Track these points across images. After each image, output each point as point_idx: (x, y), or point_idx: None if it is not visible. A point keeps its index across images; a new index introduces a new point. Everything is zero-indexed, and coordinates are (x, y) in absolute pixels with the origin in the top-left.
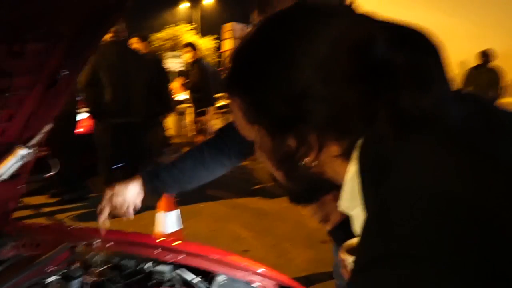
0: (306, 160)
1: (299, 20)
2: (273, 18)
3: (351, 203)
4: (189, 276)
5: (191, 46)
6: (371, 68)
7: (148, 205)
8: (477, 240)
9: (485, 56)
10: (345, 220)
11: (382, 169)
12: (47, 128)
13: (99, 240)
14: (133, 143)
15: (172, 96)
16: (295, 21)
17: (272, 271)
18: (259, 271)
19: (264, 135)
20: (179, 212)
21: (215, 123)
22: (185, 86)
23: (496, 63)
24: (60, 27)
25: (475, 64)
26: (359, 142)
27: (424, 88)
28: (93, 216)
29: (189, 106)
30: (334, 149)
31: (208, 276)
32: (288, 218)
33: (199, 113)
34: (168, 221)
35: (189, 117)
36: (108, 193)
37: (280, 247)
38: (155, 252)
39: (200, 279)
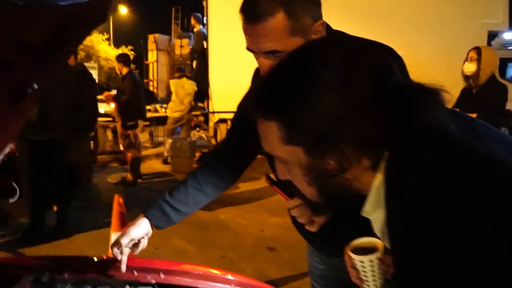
0: (342, 174)
1: (330, 52)
2: (306, 49)
3: (374, 208)
4: None
5: (125, 57)
6: (391, 91)
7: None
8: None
9: None
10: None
11: (406, 176)
12: (8, 148)
13: (66, 268)
14: (57, 161)
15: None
16: (326, 53)
17: (251, 279)
18: (242, 281)
19: (301, 155)
20: None
21: (143, 136)
22: (115, 99)
23: None
24: (31, 38)
25: None
26: (386, 154)
27: (435, 106)
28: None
29: (110, 120)
30: (365, 162)
31: None
32: (228, 230)
33: (128, 127)
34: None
35: (109, 132)
36: (117, 235)
37: (228, 259)
38: (133, 273)
39: None
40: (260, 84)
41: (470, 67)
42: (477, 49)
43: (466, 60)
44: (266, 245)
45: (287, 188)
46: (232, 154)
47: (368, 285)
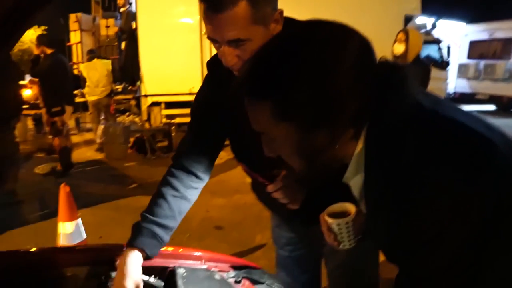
0: (332, 146)
1: (319, 33)
2: (296, 31)
3: (354, 173)
4: (144, 277)
5: (46, 37)
6: (373, 68)
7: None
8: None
9: None
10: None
11: (383, 140)
12: None
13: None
14: None
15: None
16: (315, 34)
17: (220, 254)
18: (212, 256)
19: (293, 131)
20: (81, 221)
21: (71, 123)
22: (40, 83)
23: None
24: None
25: None
26: (366, 123)
27: (408, 81)
28: None
29: (28, 108)
30: (350, 133)
31: (163, 273)
32: None
33: (54, 113)
34: (72, 231)
35: (30, 120)
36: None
37: (177, 240)
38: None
39: (154, 278)
40: (247, 69)
41: (399, 48)
42: (405, 31)
43: (395, 41)
44: (213, 224)
45: (266, 172)
46: (202, 149)
47: (344, 246)
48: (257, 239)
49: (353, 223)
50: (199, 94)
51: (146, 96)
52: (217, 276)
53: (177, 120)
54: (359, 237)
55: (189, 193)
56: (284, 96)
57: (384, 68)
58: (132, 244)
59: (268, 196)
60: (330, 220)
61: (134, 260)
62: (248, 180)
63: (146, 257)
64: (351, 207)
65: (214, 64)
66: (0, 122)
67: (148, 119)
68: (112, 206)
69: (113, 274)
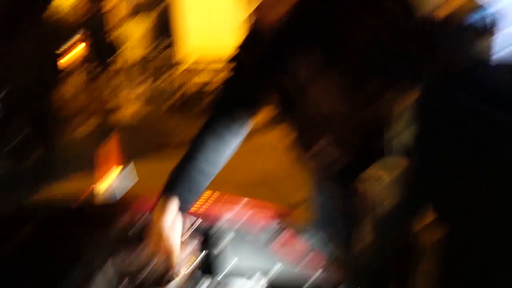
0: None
1: None
2: None
3: (403, 128)
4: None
5: None
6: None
7: None
8: None
9: None
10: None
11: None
12: None
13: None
14: None
15: None
16: None
17: (265, 203)
18: (255, 203)
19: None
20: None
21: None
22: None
23: None
24: None
25: None
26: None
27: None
28: None
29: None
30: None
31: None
32: None
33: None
34: (119, 182)
35: (79, 76)
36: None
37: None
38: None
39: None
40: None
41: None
42: None
43: None
44: (255, 178)
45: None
46: (243, 101)
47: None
48: (299, 194)
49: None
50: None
51: (189, 50)
52: (258, 225)
53: (221, 75)
54: None
55: (231, 140)
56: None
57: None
58: (171, 192)
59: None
60: (376, 172)
61: (174, 212)
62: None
63: (184, 208)
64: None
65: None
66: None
67: (193, 75)
68: (158, 159)
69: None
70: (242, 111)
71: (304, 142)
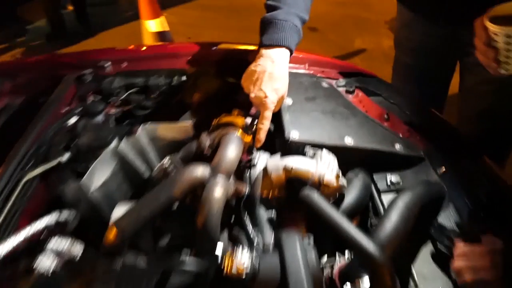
0: None
1: None
2: None
3: None
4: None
5: None
6: None
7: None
8: None
9: None
10: None
11: None
12: None
13: (109, 61)
14: None
15: None
16: None
17: (322, 56)
18: (316, 59)
19: None
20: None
21: None
22: None
23: None
24: None
25: None
26: None
27: None
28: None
29: None
30: None
31: None
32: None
33: None
34: (157, 30)
35: None
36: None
37: None
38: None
39: None
40: None
41: None
42: None
43: None
44: (307, 25)
45: None
46: None
47: (508, 69)
48: (356, 43)
49: None
50: None
51: None
52: (324, 84)
53: None
54: None
55: None
56: None
57: None
58: (277, 41)
59: None
60: (493, 28)
61: (285, 61)
62: None
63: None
64: None
65: None
66: None
67: None
68: (200, 5)
69: None
70: None
71: None
